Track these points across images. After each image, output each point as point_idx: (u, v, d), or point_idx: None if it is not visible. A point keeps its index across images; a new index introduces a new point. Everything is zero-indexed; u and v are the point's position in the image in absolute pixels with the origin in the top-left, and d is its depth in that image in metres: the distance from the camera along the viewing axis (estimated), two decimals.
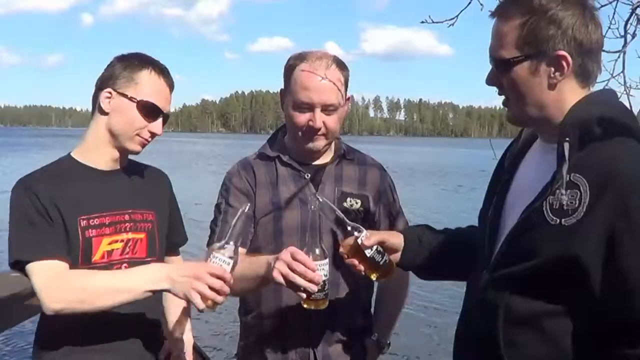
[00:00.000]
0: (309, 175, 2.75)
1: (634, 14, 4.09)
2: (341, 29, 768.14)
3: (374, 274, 2.36)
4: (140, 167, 2.71)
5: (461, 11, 4.28)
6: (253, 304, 2.77)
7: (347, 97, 2.71)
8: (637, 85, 4.15)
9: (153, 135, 2.52)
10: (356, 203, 2.75)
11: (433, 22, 4.39)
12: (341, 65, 2.68)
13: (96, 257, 2.43)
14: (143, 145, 2.54)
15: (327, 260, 2.30)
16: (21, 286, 3.79)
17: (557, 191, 1.79)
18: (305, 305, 2.31)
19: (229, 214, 2.68)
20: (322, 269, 2.25)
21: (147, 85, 2.48)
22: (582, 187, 1.76)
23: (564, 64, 1.85)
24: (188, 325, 2.86)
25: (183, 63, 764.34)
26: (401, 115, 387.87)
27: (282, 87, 2.73)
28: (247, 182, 2.75)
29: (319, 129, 2.62)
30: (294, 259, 2.21)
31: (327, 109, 2.61)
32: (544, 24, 1.85)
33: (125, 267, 2.46)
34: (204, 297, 2.12)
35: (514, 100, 1.96)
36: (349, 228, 2.31)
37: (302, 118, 2.62)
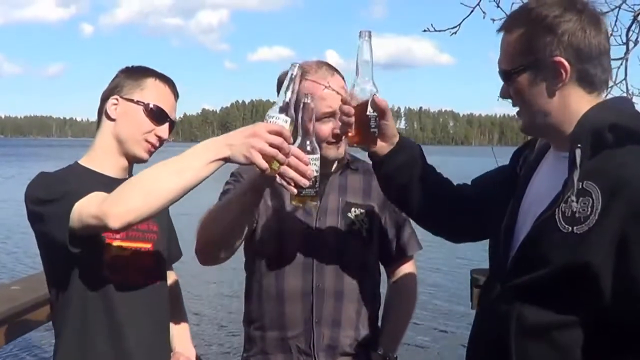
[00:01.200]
0: None
1: (635, 21, 4.09)
2: (341, 38, 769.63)
3: (357, 135, 2.21)
4: None
5: (463, 19, 4.29)
6: (256, 314, 2.73)
7: None
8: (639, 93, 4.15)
9: (160, 140, 2.50)
10: (361, 213, 2.72)
11: (435, 30, 4.40)
12: (338, 72, 2.69)
13: (106, 257, 2.37)
14: (150, 152, 2.51)
15: (318, 155, 2.22)
16: (21, 300, 3.75)
17: (569, 199, 1.78)
18: (294, 202, 2.24)
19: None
20: (314, 164, 2.18)
21: (152, 91, 2.48)
22: (594, 194, 1.74)
23: (562, 70, 1.84)
24: (189, 339, 2.85)
25: (183, 72, 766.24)
26: (402, 124, 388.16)
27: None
28: None
29: (343, 135, 2.57)
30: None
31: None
32: (540, 33, 1.85)
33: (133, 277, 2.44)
34: (265, 157, 1.97)
35: (522, 111, 1.98)
36: (367, 78, 2.19)
37: (326, 129, 2.58)
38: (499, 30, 1.99)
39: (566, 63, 1.83)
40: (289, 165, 2.08)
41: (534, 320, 1.83)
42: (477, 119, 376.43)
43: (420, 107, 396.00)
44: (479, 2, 4.13)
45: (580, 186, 1.76)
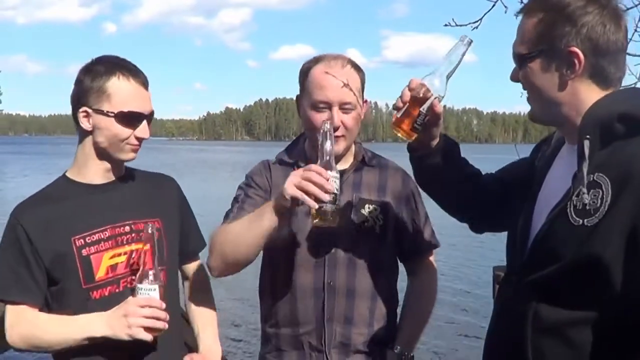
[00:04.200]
0: None
1: None
2: (363, 36, 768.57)
3: (400, 121, 2.16)
4: (142, 175, 2.65)
5: (485, 13, 4.29)
6: (270, 311, 2.75)
7: (364, 100, 2.69)
8: None
9: (141, 139, 2.46)
10: (375, 209, 2.69)
11: (457, 25, 4.38)
12: (357, 67, 2.67)
13: (100, 274, 2.40)
14: (135, 151, 2.48)
15: (338, 174, 2.29)
16: None
17: (581, 191, 1.76)
18: (315, 221, 2.30)
19: (246, 203, 2.65)
20: (334, 181, 2.25)
21: (119, 94, 2.38)
22: (605, 186, 1.73)
23: (576, 61, 1.83)
24: (216, 335, 2.75)
25: (206, 71, 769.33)
26: None
27: (298, 93, 2.72)
28: (267, 180, 2.74)
29: (338, 128, 2.58)
30: (308, 169, 2.24)
31: (344, 106, 2.59)
32: (559, 21, 1.84)
33: (132, 279, 2.42)
34: (146, 329, 2.27)
35: (531, 97, 1.98)
36: (442, 78, 2.15)
37: (319, 117, 2.58)
38: (518, 13, 1.97)
39: (581, 55, 1.82)
40: (309, 180, 2.19)
41: (548, 318, 1.82)
42: (501, 117, 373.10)
43: (444, 105, 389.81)
44: None
45: (591, 178, 1.75)
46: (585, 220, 1.75)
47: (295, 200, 2.26)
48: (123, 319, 2.26)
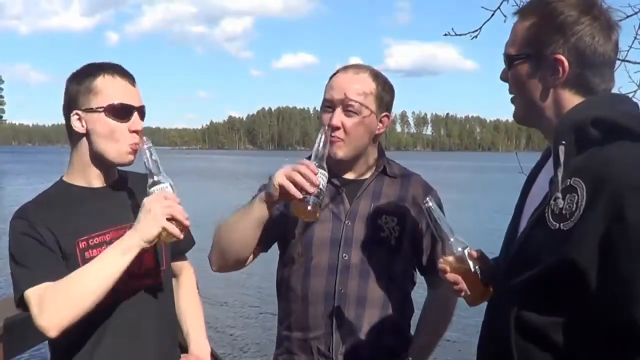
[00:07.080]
0: (344, 189, 2.72)
1: None
2: (365, 45, 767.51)
3: (474, 295, 2.10)
4: (134, 177, 2.61)
5: (484, 23, 4.28)
6: (284, 314, 2.78)
7: (382, 113, 2.68)
8: None
9: (137, 133, 2.42)
10: (392, 220, 2.69)
11: (456, 34, 4.39)
12: (377, 77, 2.67)
13: None
14: (134, 152, 2.44)
15: (326, 172, 2.36)
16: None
17: (556, 196, 1.78)
18: (294, 211, 2.38)
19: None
20: (322, 178, 2.33)
21: (106, 90, 2.39)
22: (580, 190, 1.73)
23: (560, 69, 1.85)
24: (204, 334, 2.77)
25: (209, 80, 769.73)
26: (428, 130, 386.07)
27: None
28: None
29: (337, 129, 2.58)
30: (299, 162, 2.32)
31: (346, 108, 2.58)
32: (550, 28, 1.86)
33: (131, 283, 2.39)
34: (170, 220, 2.19)
35: (516, 99, 2.01)
36: (455, 236, 2.13)
37: (326, 117, 2.60)
38: (514, 13, 2.01)
39: (566, 63, 1.84)
40: (298, 172, 2.28)
41: (530, 323, 1.83)
42: (504, 125, 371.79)
43: (447, 114, 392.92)
44: (500, 6, 4.13)
45: (568, 183, 1.76)
46: (562, 224, 1.75)
47: (283, 191, 2.32)
48: (148, 216, 2.19)
